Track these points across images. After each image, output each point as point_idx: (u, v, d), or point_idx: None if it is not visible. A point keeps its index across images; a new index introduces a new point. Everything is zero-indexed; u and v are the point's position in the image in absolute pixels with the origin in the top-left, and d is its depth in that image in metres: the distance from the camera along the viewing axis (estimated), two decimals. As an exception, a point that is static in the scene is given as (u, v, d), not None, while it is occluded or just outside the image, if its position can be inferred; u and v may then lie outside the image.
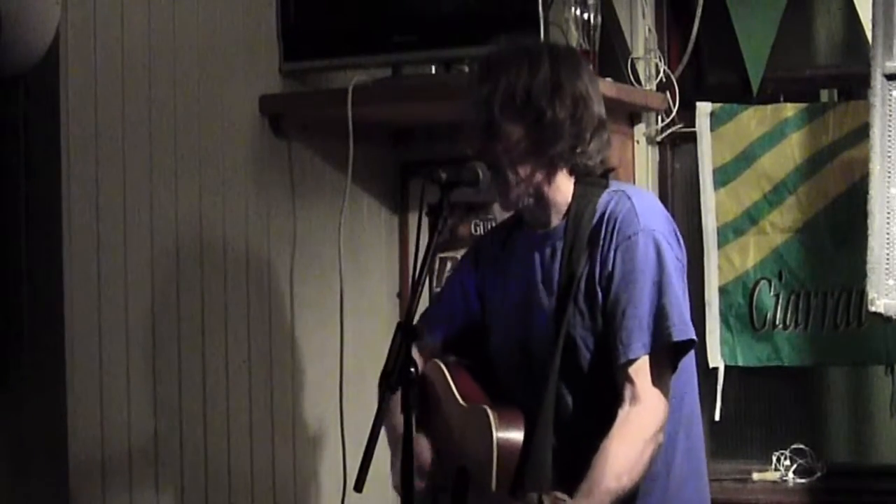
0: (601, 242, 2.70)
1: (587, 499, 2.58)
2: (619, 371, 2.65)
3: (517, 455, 2.68)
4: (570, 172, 2.76)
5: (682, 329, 2.68)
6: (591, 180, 2.78)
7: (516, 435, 2.69)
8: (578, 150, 2.73)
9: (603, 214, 2.72)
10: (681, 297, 2.72)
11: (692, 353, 2.78)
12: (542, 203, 2.77)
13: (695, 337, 2.71)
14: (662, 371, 2.67)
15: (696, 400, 2.85)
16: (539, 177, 2.74)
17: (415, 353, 2.60)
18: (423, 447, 2.89)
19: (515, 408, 2.73)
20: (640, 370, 2.64)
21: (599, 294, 2.69)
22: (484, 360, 2.90)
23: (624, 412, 2.63)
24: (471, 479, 2.76)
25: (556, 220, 2.78)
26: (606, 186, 2.78)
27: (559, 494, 2.58)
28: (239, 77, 3.70)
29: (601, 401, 2.68)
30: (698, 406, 2.86)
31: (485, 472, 2.67)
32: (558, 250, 2.75)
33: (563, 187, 2.77)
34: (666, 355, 2.68)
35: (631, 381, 2.64)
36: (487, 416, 2.68)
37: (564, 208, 2.77)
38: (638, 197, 2.75)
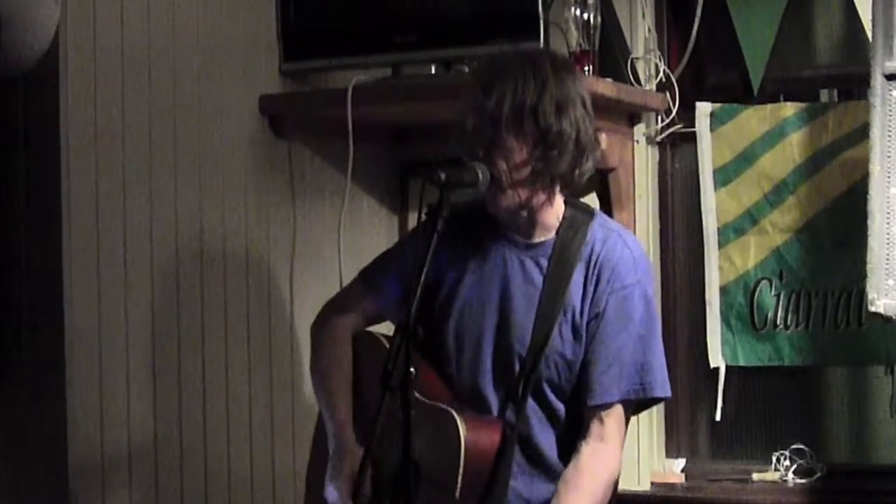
0: (596, 279, 2.75)
1: None
2: (591, 410, 2.74)
3: (486, 471, 2.71)
4: (563, 188, 2.78)
5: (663, 387, 2.78)
6: (578, 203, 2.84)
7: (487, 449, 2.71)
8: (577, 172, 2.74)
9: (598, 253, 2.76)
10: (662, 352, 2.81)
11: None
12: (531, 218, 2.78)
13: (670, 395, 2.83)
14: (625, 419, 2.78)
15: None
16: (536, 196, 2.74)
17: (356, 315, 2.80)
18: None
19: (485, 418, 2.75)
20: (612, 414, 2.74)
21: (584, 331, 2.75)
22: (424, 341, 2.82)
23: (589, 448, 2.72)
24: (422, 475, 2.73)
25: (540, 236, 2.80)
26: (592, 213, 2.82)
27: None
28: (239, 77, 3.70)
29: (558, 423, 2.77)
30: None
31: (445, 477, 2.66)
32: (543, 268, 2.77)
33: (554, 206, 2.79)
34: (634, 406, 2.80)
35: (601, 421, 2.74)
36: (457, 428, 2.68)
37: (551, 226, 2.79)
38: (632, 243, 2.82)
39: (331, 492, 2.77)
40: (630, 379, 2.74)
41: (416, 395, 2.54)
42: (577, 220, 2.79)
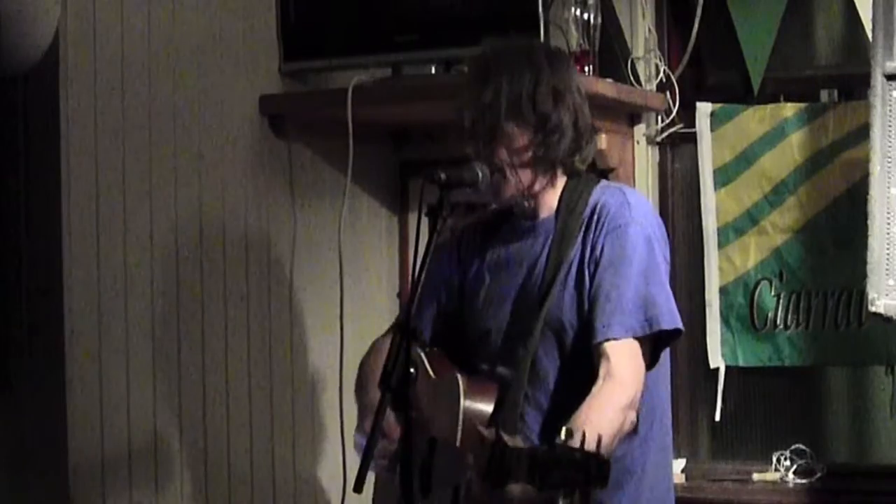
0: (592, 228, 2.75)
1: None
2: (596, 349, 2.66)
3: (485, 420, 2.68)
4: (564, 174, 2.81)
5: (670, 318, 2.70)
6: (583, 177, 2.84)
7: (485, 405, 2.70)
8: (577, 157, 2.78)
9: (595, 204, 2.77)
10: (668, 288, 2.74)
11: (667, 348, 2.79)
12: (534, 200, 2.81)
13: (682, 327, 2.72)
14: (640, 357, 2.68)
15: (668, 397, 2.88)
16: (538, 180, 2.78)
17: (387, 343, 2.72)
18: (392, 425, 2.80)
19: (489, 381, 2.76)
20: (617, 349, 2.65)
21: (587, 278, 2.72)
22: (457, 349, 2.89)
23: (597, 387, 2.61)
24: (437, 447, 2.75)
25: (544, 213, 2.82)
26: (597, 183, 2.83)
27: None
28: (239, 77, 3.70)
29: (583, 383, 2.66)
30: (669, 404, 2.88)
31: (451, 434, 2.66)
32: (549, 239, 2.79)
33: (556, 186, 2.82)
34: (649, 343, 2.70)
35: (607, 357, 2.64)
36: (457, 383, 2.70)
37: (554, 203, 2.81)
38: (632, 193, 2.82)
39: (359, 438, 2.89)
40: (633, 315, 2.67)
41: (432, 375, 2.60)
42: (578, 188, 2.81)
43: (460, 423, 2.66)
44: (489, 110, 2.70)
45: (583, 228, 2.76)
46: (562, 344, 2.75)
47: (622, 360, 2.64)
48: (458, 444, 2.64)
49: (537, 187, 2.78)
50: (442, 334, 2.95)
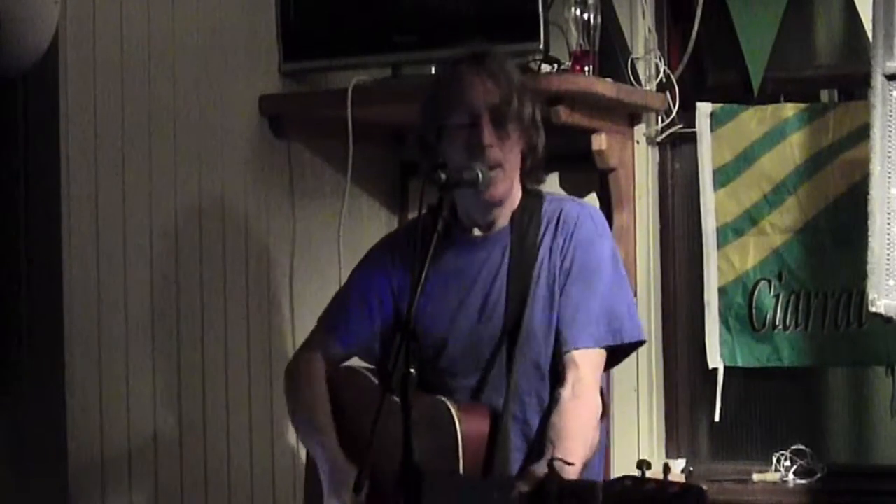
0: (558, 236, 2.83)
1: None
2: (566, 357, 2.78)
3: (484, 444, 2.72)
4: (523, 187, 2.90)
5: (633, 332, 2.84)
6: (532, 192, 2.92)
7: (482, 425, 2.72)
8: (540, 174, 2.91)
9: (557, 212, 2.85)
10: (632, 298, 2.89)
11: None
12: (502, 209, 2.87)
13: (645, 338, 2.88)
14: (602, 367, 2.83)
15: None
16: (514, 186, 2.86)
17: (323, 357, 2.87)
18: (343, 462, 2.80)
19: (473, 404, 2.78)
20: (585, 358, 2.79)
21: (557, 286, 2.81)
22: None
23: (567, 393, 2.74)
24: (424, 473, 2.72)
25: (498, 225, 2.88)
26: (540, 194, 2.92)
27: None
28: (239, 77, 3.71)
29: (551, 390, 2.80)
30: None
31: (448, 463, 2.66)
32: (506, 250, 2.85)
33: (513, 199, 2.89)
34: (610, 353, 2.84)
35: (575, 365, 2.77)
36: (448, 409, 2.70)
37: (507, 216, 2.88)
38: (590, 206, 2.96)
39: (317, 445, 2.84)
40: (599, 324, 2.80)
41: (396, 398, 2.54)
42: (529, 201, 2.89)
43: (461, 449, 2.66)
44: (512, 111, 2.78)
45: (545, 235, 2.84)
46: (531, 352, 2.80)
47: (588, 370, 2.78)
48: (461, 471, 2.66)
49: (515, 190, 2.87)
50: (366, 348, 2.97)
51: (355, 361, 3.02)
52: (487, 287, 2.84)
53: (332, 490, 2.77)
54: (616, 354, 2.87)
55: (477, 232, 2.90)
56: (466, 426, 2.70)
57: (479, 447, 2.72)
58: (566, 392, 2.75)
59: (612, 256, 2.86)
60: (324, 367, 2.96)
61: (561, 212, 2.86)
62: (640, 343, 2.88)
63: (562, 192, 3.81)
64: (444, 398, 2.74)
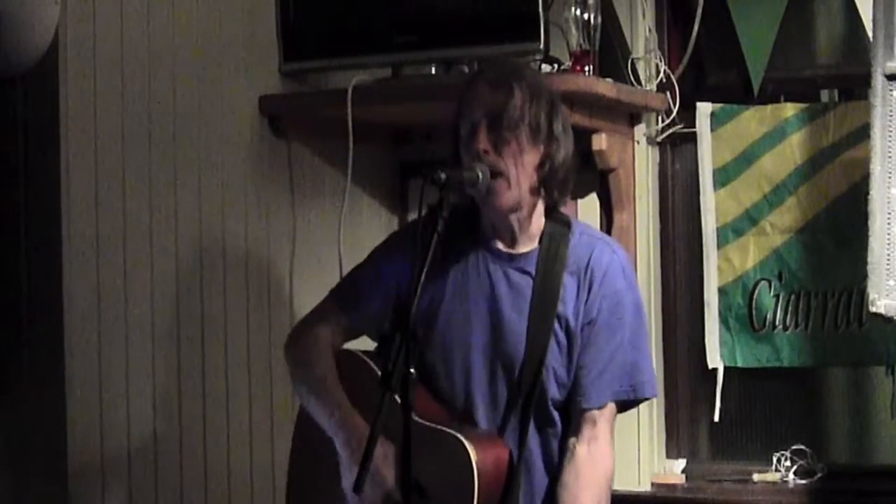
0: (588, 288, 2.81)
1: None
2: (584, 412, 2.80)
3: (498, 494, 2.73)
4: (545, 202, 2.85)
5: (651, 387, 2.87)
6: (556, 215, 2.87)
7: (498, 472, 2.73)
8: (564, 189, 2.84)
9: (588, 260, 2.82)
10: (649, 356, 2.91)
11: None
12: (519, 223, 2.82)
13: (657, 394, 3.00)
14: (614, 417, 2.85)
15: None
16: (532, 196, 2.80)
17: (332, 329, 2.86)
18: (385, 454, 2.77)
19: (487, 437, 2.77)
20: (603, 416, 2.81)
21: (579, 335, 2.80)
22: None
23: (584, 449, 2.78)
24: (431, 499, 2.70)
25: (524, 246, 2.84)
26: (569, 223, 2.87)
27: None
28: (239, 77, 3.70)
29: (556, 432, 2.83)
30: None
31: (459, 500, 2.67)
32: (530, 278, 2.81)
33: (539, 214, 2.85)
34: (621, 406, 2.86)
35: (594, 422, 2.80)
36: (467, 454, 2.68)
37: (534, 235, 2.85)
38: (619, 250, 2.90)
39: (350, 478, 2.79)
40: (621, 380, 2.82)
41: (414, 416, 2.51)
42: (557, 230, 2.85)
43: (476, 491, 2.66)
44: (508, 118, 2.73)
45: (571, 279, 2.80)
46: (545, 392, 2.80)
47: (604, 427, 2.81)
48: None
49: (528, 204, 2.80)
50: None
51: (354, 344, 3.01)
52: (507, 308, 2.81)
53: (349, 462, 2.78)
54: (626, 404, 2.88)
55: (501, 246, 2.85)
56: (482, 464, 2.69)
57: (496, 486, 2.72)
58: (581, 450, 2.78)
59: (636, 310, 2.86)
60: (331, 340, 2.94)
61: (591, 258, 2.82)
62: (652, 398, 2.92)
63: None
64: (455, 432, 2.71)
